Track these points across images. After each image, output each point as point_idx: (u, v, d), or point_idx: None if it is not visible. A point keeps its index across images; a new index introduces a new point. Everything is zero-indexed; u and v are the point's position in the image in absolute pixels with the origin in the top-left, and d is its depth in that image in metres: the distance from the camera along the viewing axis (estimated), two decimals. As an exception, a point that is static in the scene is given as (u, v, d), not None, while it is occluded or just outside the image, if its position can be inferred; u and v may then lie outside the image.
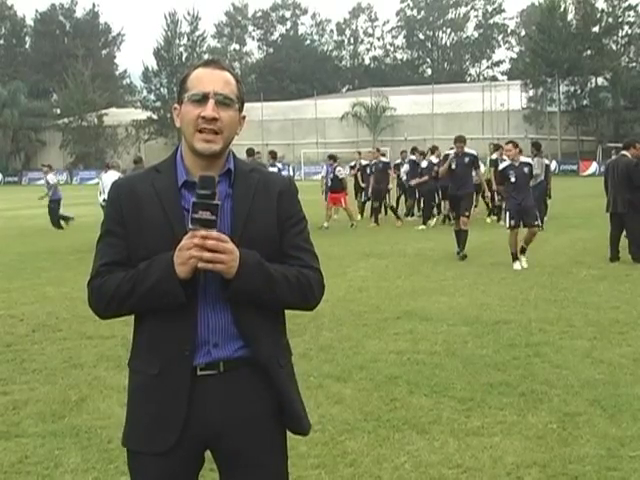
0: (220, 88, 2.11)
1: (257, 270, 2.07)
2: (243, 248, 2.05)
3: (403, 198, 21.98)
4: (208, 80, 2.12)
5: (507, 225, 11.48)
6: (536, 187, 15.86)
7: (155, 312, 2.13)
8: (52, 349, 7.00)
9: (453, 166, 12.56)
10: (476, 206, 18.49)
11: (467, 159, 12.62)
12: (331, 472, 4.20)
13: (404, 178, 21.03)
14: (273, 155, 17.95)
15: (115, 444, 4.40)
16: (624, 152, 12.23)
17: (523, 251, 11.43)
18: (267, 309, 2.17)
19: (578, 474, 4.10)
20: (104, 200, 13.26)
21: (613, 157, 16.25)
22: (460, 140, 12.81)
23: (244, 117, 2.23)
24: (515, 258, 11.37)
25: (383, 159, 20.05)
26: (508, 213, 11.51)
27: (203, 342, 2.11)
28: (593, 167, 50.04)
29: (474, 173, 13.06)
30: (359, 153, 20.87)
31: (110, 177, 14.47)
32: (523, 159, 11.65)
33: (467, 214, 12.64)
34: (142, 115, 68.91)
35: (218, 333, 2.12)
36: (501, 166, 12.04)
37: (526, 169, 11.46)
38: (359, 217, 20.41)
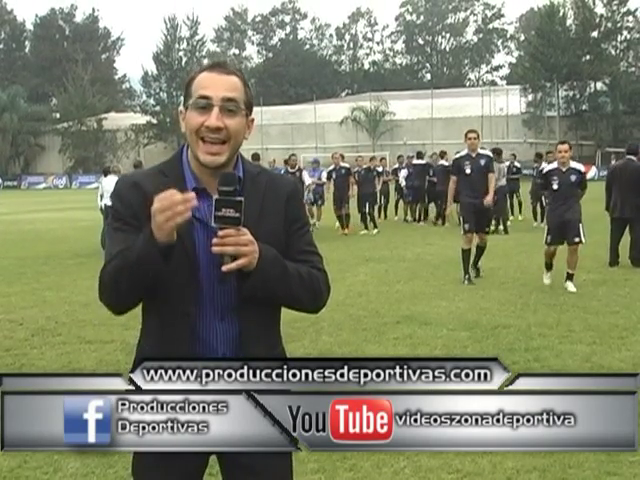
0: (225, 93, 2.05)
1: (275, 262, 2.05)
2: None
3: (400, 202, 22.14)
4: (213, 86, 2.05)
5: (544, 240, 10.04)
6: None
7: (161, 321, 2.10)
8: (51, 354, 6.99)
9: (468, 171, 10.67)
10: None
11: (483, 161, 10.76)
12: (331, 477, 4.20)
13: (403, 183, 21.16)
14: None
15: (114, 448, 4.39)
16: (631, 157, 12.19)
17: (570, 277, 9.81)
18: (272, 315, 2.19)
19: (578, 479, 4.10)
20: (105, 205, 13.26)
21: (613, 162, 16.30)
22: (471, 131, 11.00)
23: (252, 120, 2.17)
24: (548, 269, 10.05)
25: (345, 165, 18.85)
26: (547, 228, 10.06)
27: (212, 353, 2.10)
28: (592, 172, 49.98)
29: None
30: (342, 157, 19.83)
31: (110, 182, 14.45)
32: (573, 165, 10.08)
33: (488, 230, 11.05)
34: (141, 119, 69.02)
35: (226, 344, 2.11)
36: (546, 169, 10.44)
37: (573, 177, 9.88)
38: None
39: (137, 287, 2.06)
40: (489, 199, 10.56)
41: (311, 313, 2.29)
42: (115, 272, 2.04)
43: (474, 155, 10.71)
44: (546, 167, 10.65)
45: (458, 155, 11.09)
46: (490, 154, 11.36)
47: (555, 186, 9.83)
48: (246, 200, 2.06)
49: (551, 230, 9.90)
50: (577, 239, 9.78)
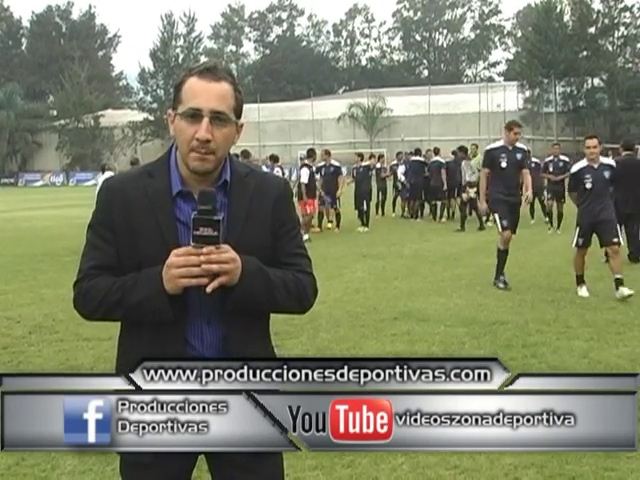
0: (215, 105, 2.02)
1: (258, 276, 2.05)
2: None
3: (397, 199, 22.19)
4: (203, 95, 2.03)
5: (574, 243, 9.20)
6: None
7: (147, 324, 2.09)
8: (49, 351, 6.98)
9: (503, 164, 9.75)
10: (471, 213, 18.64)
11: (519, 155, 9.88)
12: (329, 473, 4.20)
13: (402, 179, 21.17)
14: (275, 159, 17.94)
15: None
16: (628, 152, 12.23)
17: (621, 282, 8.82)
18: (259, 319, 2.18)
19: (575, 474, 4.11)
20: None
21: (611, 158, 16.33)
22: (517, 125, 10.18)
23: (242, 125, 2.15)
24: (581, 282, 9.19)
25: (334, 163, 18.22)
26: (578, 229, 9.16)
27: (197, 358, 2.08)
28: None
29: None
30: (328, 153, 18.63)
31: (107, 179, 14.45)
32: (604, 160, 9.38)
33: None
34: (138, 117, 68.99)
35: (213, 349, 2.11)
36: (575, 167, 9.45)
37: (607, 173, 9.12)
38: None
39: (132, 320, 2.12)
40: (530, 196, 10.02)
41: (297, 314, 2.30)
42: (108, 304, 2.07)
43: (511, 148, 9.87)
44: (574, 166, 9.73)
45: (492, 146, 10.22)
46: (526, 148, 10.52)
47: (589, 185, 9.07)
48: (233, 203, 2.08)
49: (583, 231, 9.10)
50: (616, 239, 9.03)
